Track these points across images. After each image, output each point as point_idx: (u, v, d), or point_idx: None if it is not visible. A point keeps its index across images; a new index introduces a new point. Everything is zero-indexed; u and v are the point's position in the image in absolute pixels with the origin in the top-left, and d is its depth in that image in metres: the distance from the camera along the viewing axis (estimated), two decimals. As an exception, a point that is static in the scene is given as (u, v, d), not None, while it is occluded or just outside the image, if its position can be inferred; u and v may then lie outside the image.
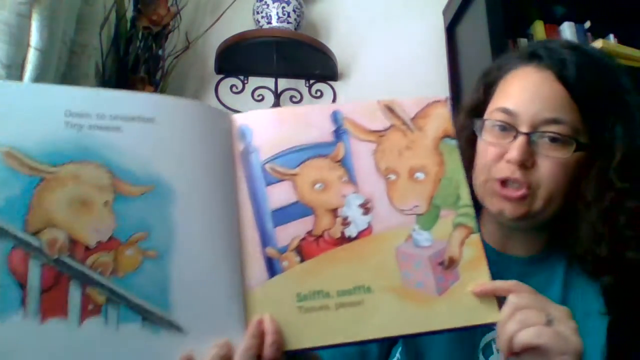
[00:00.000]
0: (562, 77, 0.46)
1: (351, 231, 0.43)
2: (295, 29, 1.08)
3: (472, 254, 0.44)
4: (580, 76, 0.46)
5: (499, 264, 0.47)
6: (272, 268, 0.41)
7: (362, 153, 0.46)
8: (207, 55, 1.18)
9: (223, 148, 0.44)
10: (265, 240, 0.42)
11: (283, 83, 1.19)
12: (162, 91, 1.05)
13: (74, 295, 0.32)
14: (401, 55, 1.23)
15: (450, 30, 1.20)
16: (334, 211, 0.43)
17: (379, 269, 0.42)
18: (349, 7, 1.26)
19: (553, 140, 0.46)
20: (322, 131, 0.46)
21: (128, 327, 0.33)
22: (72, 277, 0.33)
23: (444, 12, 1.24)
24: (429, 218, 0.44)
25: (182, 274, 0.37)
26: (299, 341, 0.38)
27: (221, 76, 1.17)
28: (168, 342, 0.33)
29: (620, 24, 1.12)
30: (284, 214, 0.43)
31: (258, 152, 0.45)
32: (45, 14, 0.62)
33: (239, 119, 0.46)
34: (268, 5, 1.08)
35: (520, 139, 0.47)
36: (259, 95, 1.16)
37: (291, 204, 0.43)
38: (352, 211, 0.44)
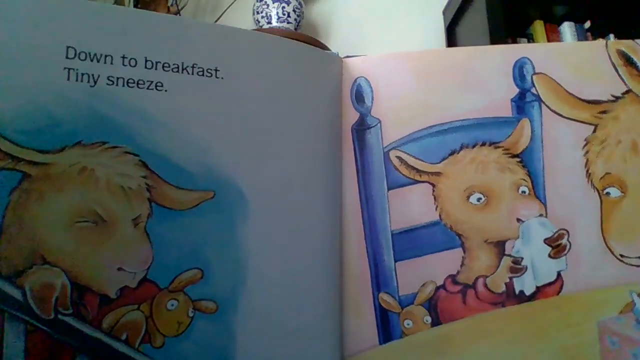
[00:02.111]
0: None
1: (526, 284, 0.25)
2: (295, 28, 1.03)
3: None
4: None
5: None
6: (387, 327, 0.25)
7: (562, 143, 0.26)
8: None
9: (328, 119, 0.26)
10: (380, 280, 0.26)
11: (283, 83, 1.19)
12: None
13: (80, 382, 0.20)
14: None
15: (450, 30, 1.15)
16: (498, 245, 0.26)
17: (567, 356, 0.25)
18: (349, 7, 1.20)
19: None
20: (493, 96, 0.26)
21: None
22: (78, 350, 0.20)
23: (444, 12, 1.19)
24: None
25: (255, 339, 0.23)
26: None
27: (222, 75, 1.17)
28: None
29: (620, 24, 1.09)
30: (414, 241, 0.26)
31: (380, 128, 0.27)
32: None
33: (355, 67, 0.27)
34: (268, 5, 1.03)
35: None
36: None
37: (426, 225, 0.26)
38: (532, 249, 0.25)
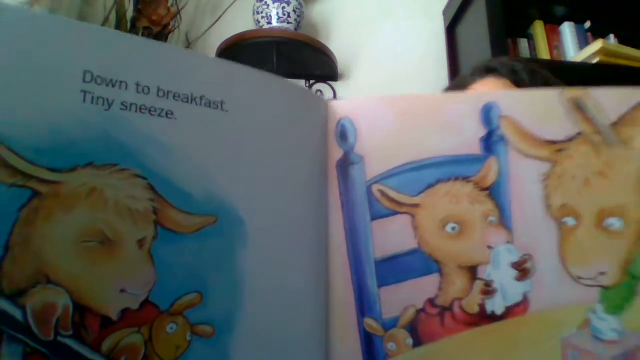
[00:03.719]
0: (516, 82, 0.54)
1: (496, 305, 0.28)
2: (295, 29, 1.07)
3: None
4: (531, 80, 0.54)
5: None
6: (372, 350, 0.27)
7: (525, 178, 0.30)
8: (207, 55, 1.15)
9: (315, 155, 0.29)
10: (364, 306, 0.28)
11: (283, 83, 1.22)
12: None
13: (79, 405, 0.20)
14: (401, 55, 1.22)
15: (450, 30, 1.18)
16: (471, 270, 0.29)
17: (534, 371, 0.28)
18: (349, 7, 1.24)
19: None
20: (466, 136, 0.30)
21: None
22: (78, 373, 0.21)
23: (444, 12, 1.22)
24: (619, 294, 0.29)
25: (249, 362, 0.24)
26: None
27: (222, 76, 1.21)
28: None
29: (620, 24, 1.13)
30: (395, 268, 0.28)
31: (363, 163, 0.30)
32: (46, 14, 0.66)
33: (339, 109, 0.30)
34: (268, 5, 1.06)
35: None
36: (260, 95, 1.17)
37: (407, 253, 0.29)
38: (501, 273, 0.29)
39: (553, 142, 0.30)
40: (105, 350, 0.21)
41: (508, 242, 0.29)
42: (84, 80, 0.22)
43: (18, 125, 0.21)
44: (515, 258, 0.28)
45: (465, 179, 0.29)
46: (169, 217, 0.23)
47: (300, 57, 1.11)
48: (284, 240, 0.26)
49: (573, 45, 1.13)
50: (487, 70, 0.58)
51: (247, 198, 0.25)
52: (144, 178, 0.23)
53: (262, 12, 1.08)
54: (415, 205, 0.29)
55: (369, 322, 0.27)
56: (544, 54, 1.14)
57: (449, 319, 0.27)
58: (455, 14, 1.14)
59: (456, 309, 0.28)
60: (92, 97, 0.22)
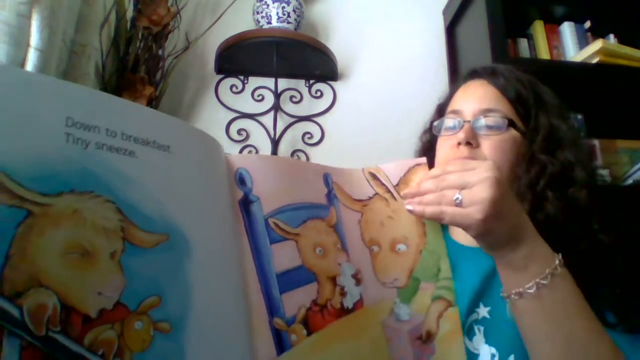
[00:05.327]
0: (494, 82, 0.57)
1: (348, 302, 0.40)
2: (295, 29, 1.07)
3: (449, 327, 0.45)
4: (508, 80, 0.57)
5: (474, 258, 0.49)
6: (281, 342, 0.35)
7: (350, 221, 0.45)
8: (207, 55, 1.13)
9: (225, 192, 0.37)
10: (273, 309, 0.36)
11: (283, 83, 1.15)
12: (162, 91, 0.98)
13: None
14: (401, 55, 1.21)
15: (450, 30, 1.18)
16: (333, 279, 0.41)
17: (373, 344, 0.40)
18: (349, 7, 1.24)
19: (489, 125, 0.54)
20: (318, 192, 0.44)
21: None
22: (66, 365, 0.22)
23: (444, 12, 1.22)
24: (408, 291, 0.45)
25: (197, 355, 0.28)
26: None
27: (221, 76, 1.14)
28: None
29: (620, 24, 1.10)
30: (290, 279, 0.38)
31: (260, 202, 0.39)
32: (45, 14, 0.61)
33: (235, 161, 0.40)
34: (268, 5, 1.06)
35: (465, 125, 0.55)
36: (259, 95, 1.13)
37: (296, 268, 0.39)
38: (348, 281, 0.41)
39: (361, 201, 0.46)
40: (87, 344, 0.23)
41: (348, 261, 0.42)
42: (66, 125, 0.26)
43: (16, 159, 0.24)
44: (353, 271, 0.42)
45: (322, 219, 0.43)
46: (134, 235, 0.28)
47: (300, 57, 1.08)
48: (218, 257, 0.33)
49: (573, 45, 1.07)
50: (471, 74, 0.61)
51: (190, 221, 0.31)
52: (114, 203, 0.27)
53: (262, 12, 1.05)
54: (297, 234, 0.40)
55: (277, 321, 0.35)
56: (543, 54, 1.10)
57: (326, 314, 0.38)
58: (455, 14, 1.10)
59: (329, 307, 0.39)
60: (74, 138, 0.27)
